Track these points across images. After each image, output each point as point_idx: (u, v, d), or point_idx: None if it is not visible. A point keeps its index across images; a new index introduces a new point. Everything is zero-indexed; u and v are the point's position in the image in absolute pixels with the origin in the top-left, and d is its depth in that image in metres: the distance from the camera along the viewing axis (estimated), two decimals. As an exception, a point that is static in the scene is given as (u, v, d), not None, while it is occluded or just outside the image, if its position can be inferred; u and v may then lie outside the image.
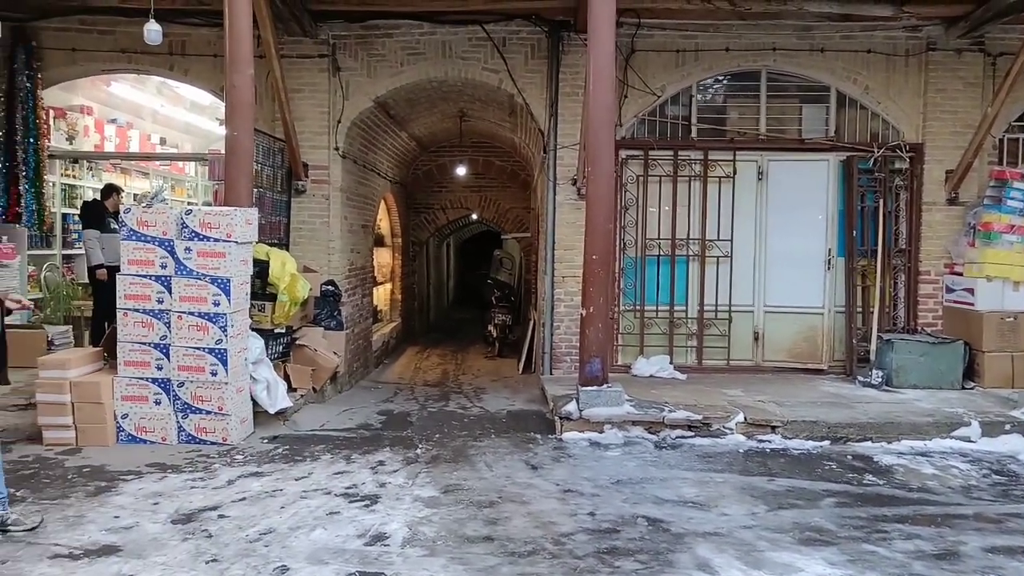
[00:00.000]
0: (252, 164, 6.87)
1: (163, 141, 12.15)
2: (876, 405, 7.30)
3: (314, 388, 7.78)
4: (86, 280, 9.60)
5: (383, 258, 13.74)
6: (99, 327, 8.37)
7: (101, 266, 8.49)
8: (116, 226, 8.50)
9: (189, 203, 12.54)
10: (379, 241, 12.86)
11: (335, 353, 8.10)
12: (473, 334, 16.53)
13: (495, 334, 13.79)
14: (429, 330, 17.69)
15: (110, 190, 9.02)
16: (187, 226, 6.13)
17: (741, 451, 6.31)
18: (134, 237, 6.18)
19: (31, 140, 8.62)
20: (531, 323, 11.76)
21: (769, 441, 6.55)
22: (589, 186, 6.82)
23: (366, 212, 10.63)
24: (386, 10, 8.26)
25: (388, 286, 14.28)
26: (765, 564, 4.10)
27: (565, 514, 4.80)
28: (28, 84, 8.54)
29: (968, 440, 6.61)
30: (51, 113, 9.18)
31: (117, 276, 6.27)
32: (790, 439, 6.58)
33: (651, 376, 8.44)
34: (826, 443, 6.53)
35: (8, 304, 4.27)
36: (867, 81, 8.68)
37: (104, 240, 8.52)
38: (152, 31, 7.09)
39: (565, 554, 4.19)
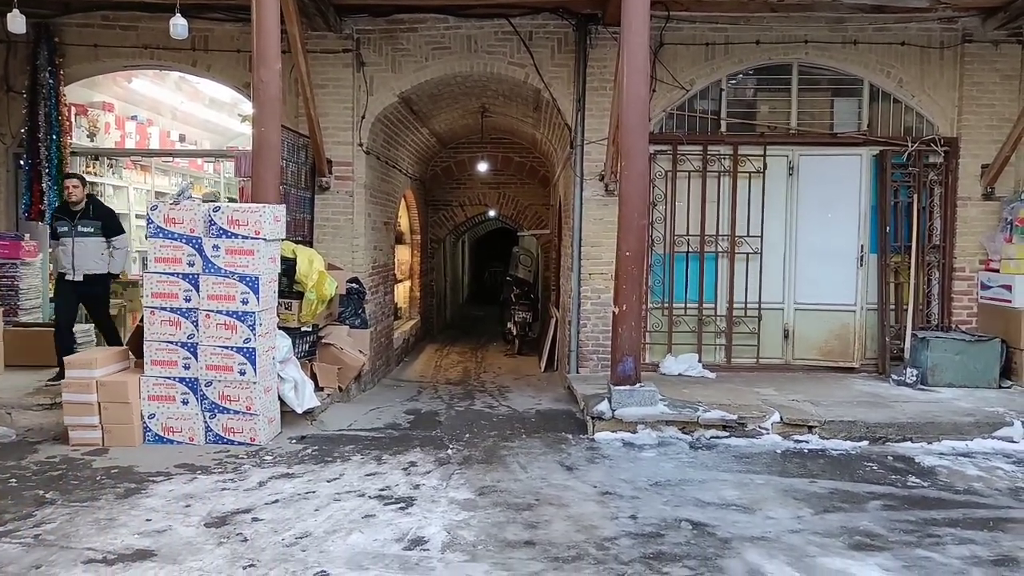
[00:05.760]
0: (280, 160, 6.78)
1: (182, 138, 12.09)
2: (914, 404, 7.15)
3: (340, 387, 7.69)
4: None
5: (402, 255, 13.64)
6: (59, 342, 7.40)
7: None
8: (66, 228, 7.29)
9: (207, 200, 12.46)
10: (398, 238, 12.76)
11: (360, 351, 8.00)
12: (490, 331, 16.45)
13: (515, 332, 13.68)
14: (446, 327, 17.62)
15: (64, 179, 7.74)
16: (215, 223, 6.04)
17: (778, 452, 6.18)
18: (161, 234, 6.09)
19: (53, 137, 8.55)
20: (552, 320, 11.64)
21: (806, 441, 6.42)
22: (622, 182, 6.69)
23: (388, 209, 10.54)
24: (411, 4, 8.14)
25: (407, 283, 14.20)
26: (818, 571, 3.98)
27: (606, 517, 4.68)
28: (50, 80, 8.47)
29: (1011, 440, 6.45)
30: (73, 110, 9.11)
31: (144, 275, 6.18)
32: (828, 439, 6.46)
33: (680, 375, 8.33)
34: (865, 443, 6.40)
35: None
36: (901, 74, 8.50)
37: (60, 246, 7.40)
38: (178, 25, 7.01)
39: (610, 559, 4.07)
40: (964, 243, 8.61)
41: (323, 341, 7.68)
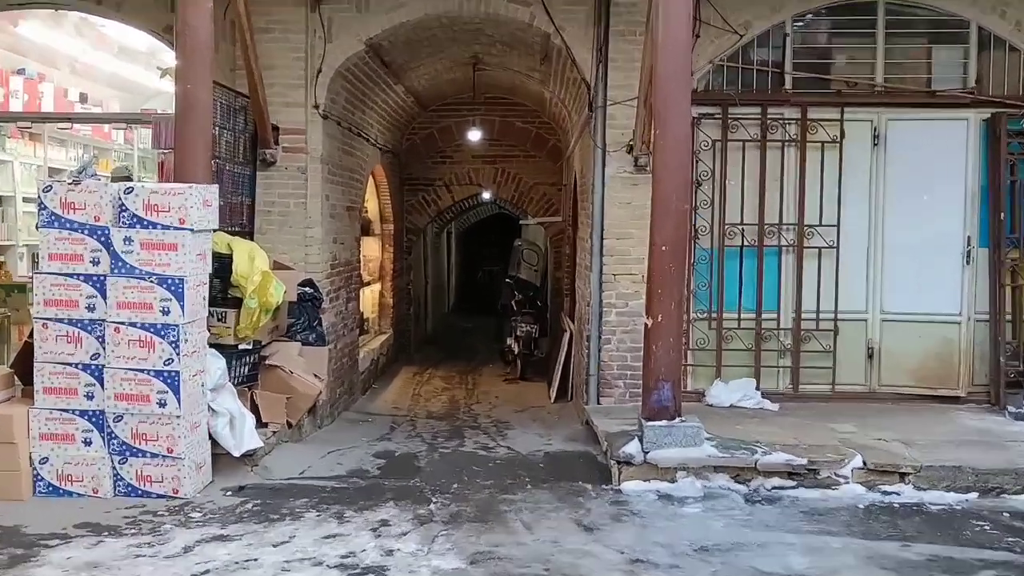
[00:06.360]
0: (211, 127, 6.81)
1: (84, 98, 12.12)
2: (1037, 445, 7.19)
3: (289, 422, 7.71)
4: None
5: (370, 250, 13.68)
6: None
7: None
8: None
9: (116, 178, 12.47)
10: (365, 228, 12.79)
11: (315, 375, 8.03)
12: (484, 348, 16.55)
13: (517, 350, 13.74)
14: (427, 343, 17.72)
15: None
16: (127, 209, 6.05)
17: (861, 506, 6.22)
18: (57, 224, 6.10)
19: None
20: (566, 335, 11.67)
21: (897, 493, 6.45)
22: (656, 154, 6.71)
23: (352, 190, 10.58)
24: (383, -76, 8.20)
25: (377, 287, 14.23)
26: (913, 663, 3.98)
27: (637, 594, 4.69)
28: (-87, 24, 8.51)
29: None
30: (-58, 62, 9.16)
31: (35, 276, 6.19)
32: (925, 490, 6.47)
33: (732, 406, 8.37)
34: (973, 496, 6.42)
35: None
36: (1019, 14, 8.54)
37: None
38: (79, -48, 7.04)
39: (643, 649, 4.08)
40: (1106, 234, 8.66)
41: (267, 362, 7.70)
